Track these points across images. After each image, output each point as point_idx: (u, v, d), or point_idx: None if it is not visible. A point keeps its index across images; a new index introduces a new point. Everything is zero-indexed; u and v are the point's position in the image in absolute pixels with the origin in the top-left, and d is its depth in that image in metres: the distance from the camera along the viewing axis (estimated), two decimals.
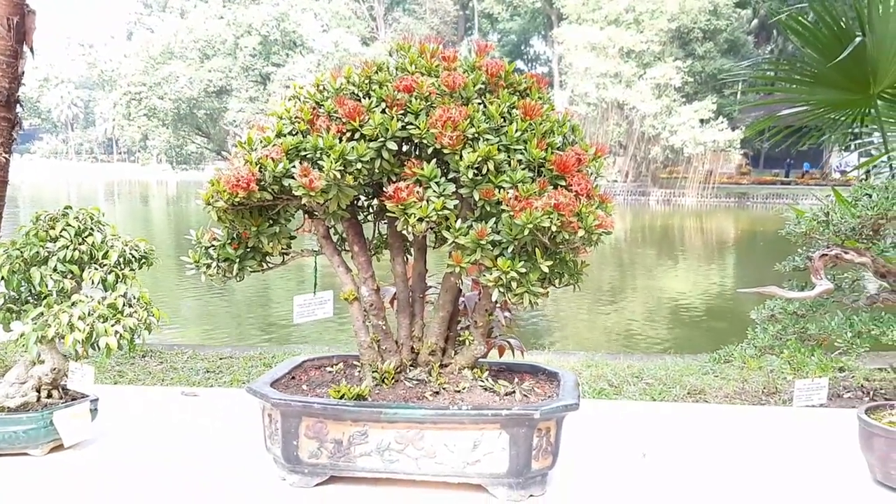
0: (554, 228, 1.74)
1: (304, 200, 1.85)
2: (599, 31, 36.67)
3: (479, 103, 1.91)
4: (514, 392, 2.01)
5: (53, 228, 2.08)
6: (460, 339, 2.11)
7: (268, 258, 2.07)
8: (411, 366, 2.11)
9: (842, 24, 4.49)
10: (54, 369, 2.17)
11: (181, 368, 6.90)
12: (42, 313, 1.98)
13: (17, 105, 5.58)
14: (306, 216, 2.14)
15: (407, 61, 2.01)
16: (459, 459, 1.89)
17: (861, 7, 4.26)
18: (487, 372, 2.10)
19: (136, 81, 41.83)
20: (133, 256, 2.14)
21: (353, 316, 2.10)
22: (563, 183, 1.84)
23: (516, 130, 1.86)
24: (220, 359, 7.29)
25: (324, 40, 41.28)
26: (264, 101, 40.93)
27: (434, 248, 2.23)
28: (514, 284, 1.80)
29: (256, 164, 1.86)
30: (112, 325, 1.98)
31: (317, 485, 1.97)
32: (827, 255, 2.02)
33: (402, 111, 1.90)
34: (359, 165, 1.85)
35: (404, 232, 1.94)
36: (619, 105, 37.34)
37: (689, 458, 2.24)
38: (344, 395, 1.95)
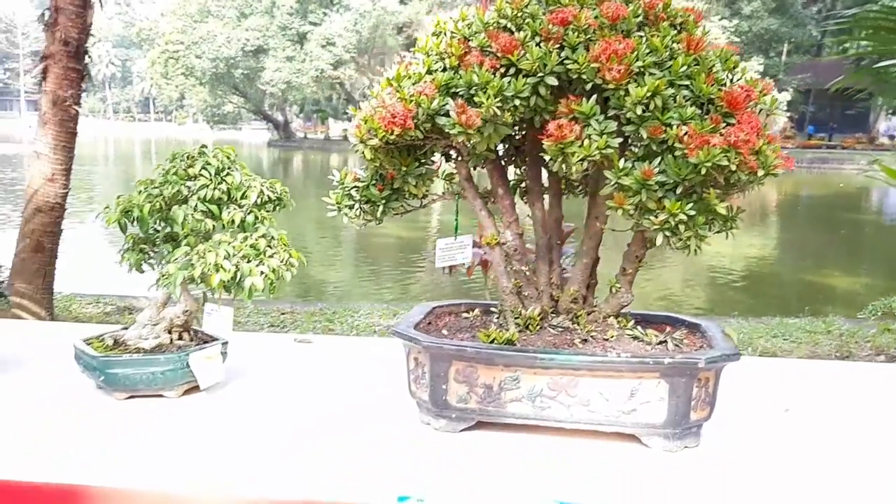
0: (733, 167, 1.66)
1: (459, 139, 1.78)
2: None
3: (641, 36, 1.82)
4: (665, 342, 1.95)
5: (192, 167, 2.04)
6: (609, 286, 2.04)
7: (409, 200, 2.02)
8: (552, 313, 2.05)
9: None
10: (186, 311, 2.15)
11: (245, 322, 6.95)
12: (187, 253, 1.94)
13: (86, 56, 5.55)
14: (443, 158, 2.08)
15: None
16: (614, 408, 1.84)
17: None
18: (633, 321, 2.04)
19: (174, 40, 41.87)
20: (269, 197, 2.09)
21: (495, 261, 2.05)
22: (733, 121, 1.75)
23: (682, 65, 1.77)
24: (282, 314, 7.36)
25: None
26: (301, 60, 40.82)
27: (577, 195, 2.16)
28: (681, 227, 1.72)
29: (411, 101, 1.80)
30: (257, 266, 1.94)
31: (463, 430, 1.93)
32: None
33: (557, 45, 1.82)
34: (517, 102, 1.78)
35: (561, 173, 1.87)
36: None
37: (834, 415, 2.17)
38: (494, 339, 1.90)
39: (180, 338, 2.18)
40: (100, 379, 2.04)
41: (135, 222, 2.07)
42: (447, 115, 1.81)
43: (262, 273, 1.95)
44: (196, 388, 2.16)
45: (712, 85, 1.77)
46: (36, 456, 1.75)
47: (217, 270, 1.91)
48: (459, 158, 2.01)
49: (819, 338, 6.35)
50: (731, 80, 1.87)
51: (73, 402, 2.08)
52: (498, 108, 1.75)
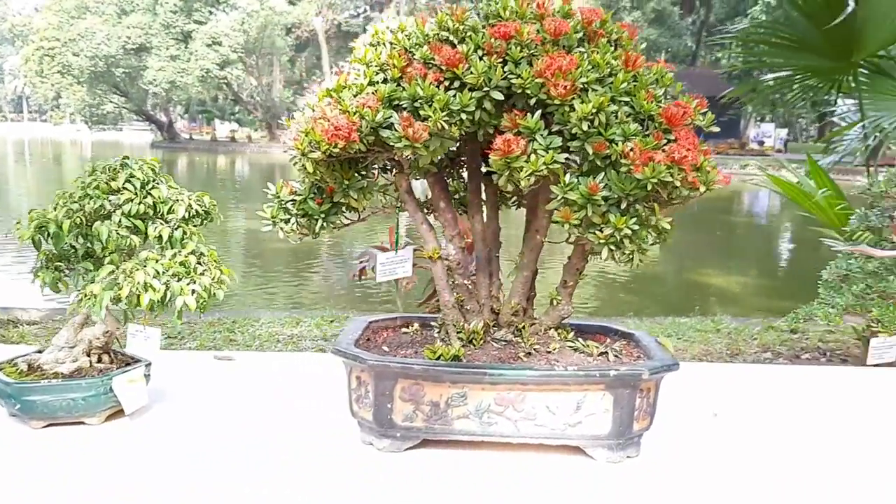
0: (677, 183, 1.69)
1: (405, 152, 1.74)
2: None
3: (582, 52, 1.84)
4: (606, 353, 1.97)
5: (115, 180, 1.91)
6: (550, 299, 2.05)
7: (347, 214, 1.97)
8: (494, 326, 2.04)
9: None
10: (107, 332, 2.03)
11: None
12: (112, 272, 1.82)
13: None
14: (379, 170, 2.04)
15: (500, 7, 1.91)
16: (560, 421, 1.84)
17: None
18: (573, 332, 2.05)
19: (49, 37, 39.72)
20: (196, 211, 1.99)
21: (437, 275, 2.02)
22: (672, 137, 1.79)
23: (622, 82, 1.80)
24: (180, 324, 7.06)
25: None
26: (186, 59, 39.55)
27: (510, 207, 2.16)
28: (626, 242, 1.75)
29: (354, 113, 1.75)
30: (188, 284, 1.84)
31: (407, 448, 1.89)
32: None
33: (500, 59, 1.81)
34: (462, 116, 1.76)
35: (508, 186, 1.85)
36: None
37: (759, 417, 2.26)
38: (441, 355, 1.87)
39: (100, 360, 2.05)
40: (15, 407, 1.89)
41: (49, 238, 1.93)
42: (390, 127, 1.77)
43: (193, 292, 1.85)
44: (119, 413, 2.04)
45: (651, 101, 1.80)
46: None
47: (146, 290, 1.80)
48: (399, 171, 1.97)
49: (710, 336, 6.61)
50: (666, 97, 1.91)
51: None
52: (445, 121, 1.72)
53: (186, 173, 33.22)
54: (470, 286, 2.03)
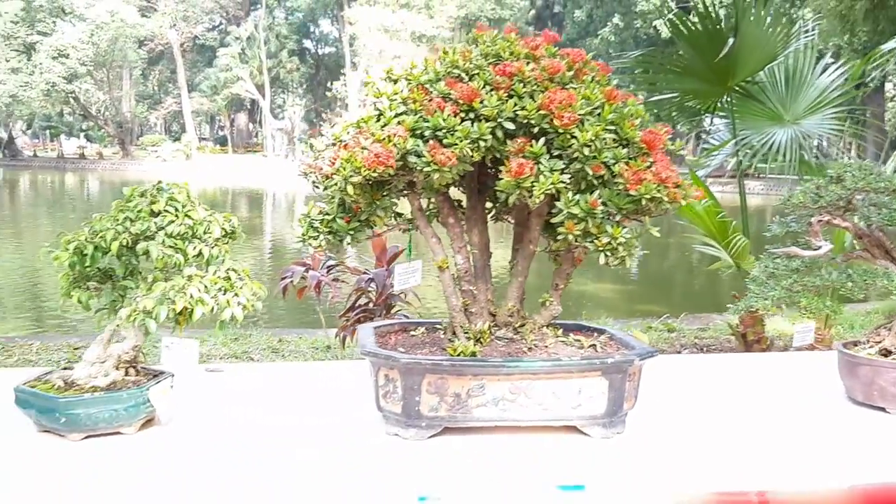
0: (665, 198, 2.03)
1: (434, 175, 2.00)
2: (392, 13, 37.21)
3: (574, 88, 2.16)
4: (594, 345, 2.29)
5: (156, 203, 2.05)
6: (541, 300, 2.35)
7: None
8: (494, 326, 2.31)
9: (718, 26, 5.15)
10: (135, 346, 2.15)
11: (37, 360, 6.48)
12: (164, 288, 1.96)
13: None
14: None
15: (499, 49, 2.20)
16: (564, 405, 2.14)
17: (738, 11, 4.93)
18: (560, 330, 2.36)
19: None
20: (225, 231, 2.16)
21: (445, 282, 2.27)
22: (651, 160, 2.14)
23: (609, 112, 2.13)
24: (75, 349, 6.92)
25: (97, 9, 38.35)
26: (29, 72, 37.46)
27: (506, 221, 2.45)
28: (620, 248, 2.07)
29: (389, 142, 1.99)
30: (233, 297, 2.01)
31: (430, 437, 2.14)
32: (822, 220, 2.48)
33: (506, 94, 2.10)
34: (480, 144, 2.03)
35: (518, 203, 2.14)
36: None
37: (687, 396, 2.66)
38: (461, 352, 2.13)
39: (127, 373, 2.16)
40: (59, 421, 1.99)
41: (86, 259, 2.04)
42: (415, 154, 2.03)
43: (238, 304, 2.02)
44: (149, 423, 2.16)
45: (633, 129, 2.15)
46: None
47: (198, 304, 1.96)
48: (412, 192, 2.22)
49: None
50: (641, 126, 2.25)
51: (26, 449, 2.01)
52: (470, 148, 1.99)
53: (32, 193, 31.46)
54: (475, 292, 2.30)
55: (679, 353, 7.08)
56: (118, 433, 2.09)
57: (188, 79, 46.53)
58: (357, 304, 5.57)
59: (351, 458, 2.03)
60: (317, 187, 2.26)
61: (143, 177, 36.26)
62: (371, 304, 5.55)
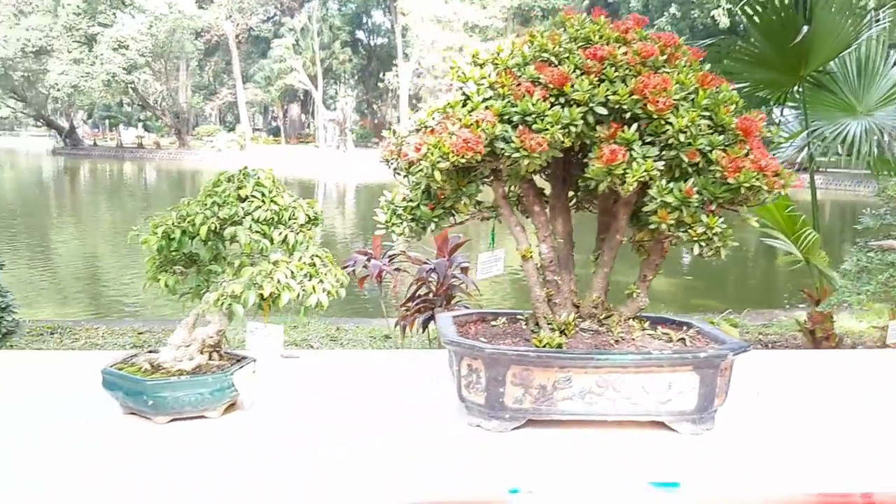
0: (764, 187, 1.95)
1: (524, 161, 1.95)
2: (444, 4, 37.13)
3: (667, 72, 2.08)
4: (683, 339, 2.22)
5: (242, 188, 2.04)
6: (627, 292, 2.28)
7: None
8: (578, 318, 2.26)
9: (790, 11, 4.99)
10: (219, 331, 2.15)
11: (103, 344, 6.60)
12: (251, 273, 1.95)
13: None
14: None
15: (589, 31, 2.14)
16: (653, 399, 2.08)
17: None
18: (648, 322, 2.30)
19: None
20: (308, 217, 2.14)
21: (529, 272, 2.22)
22: (747, 147, 2.05)
23: (703, 98, 2.05)
24: (139, 333, 7.04)
25: (156, 1, 39.01)
26: (90, 63, 38.30)
27: (590, 210, 2.39)
28: (715, 239, 2.00)
29: (477, 128, 1.94)
30: (318, 283, 2.00)
31: (514, 429, 2.09)
32: None
33: (597, 78, 2.04)
34: (571, 129, 1.98)
35: (605, 190, 2.08)
36: None
37: (787, 393, 2.56)
38: (547, 344, 2.08)
39: (210, 357, 2.16)
40: (147, 404, 2.00)
41: (173, 243, 2.04)
42: (503, 139, 1.98)
43: (324, 290, 2.00)
44: (231, 408, 2.16)
45: (728, 115, 2.06)
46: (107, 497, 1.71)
47: (285, 289, 1.94)
48: (497, 179, 2.17)
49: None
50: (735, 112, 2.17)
51: (113, 431, 2.02)
52: (562, 133, 1.94)
53: (92, 181, 32.20)
54: (560, 282, 2.24)
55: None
56: (203, 417, 2.09)
57: (243, 70, 47.14)
58: (417, 294, 5.56)
59: (434, 448, 2.00)
60: (398, 174, 2.23)
61: (199, 166, 36.91)
62: (431, 295, 5.54)
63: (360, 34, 54.56)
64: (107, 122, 50.04)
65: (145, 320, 7.68)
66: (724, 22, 30.22)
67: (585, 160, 2.25)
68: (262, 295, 1.94)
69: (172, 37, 39.73)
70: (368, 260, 5.35)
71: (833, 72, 5.72)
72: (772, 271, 13.35)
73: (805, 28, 5.08)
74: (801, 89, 5.64)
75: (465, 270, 5.62)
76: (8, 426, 2.04)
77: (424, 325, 5.50)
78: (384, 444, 2.01)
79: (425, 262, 5.53)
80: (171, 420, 2.05)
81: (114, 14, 39.64)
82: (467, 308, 5.54)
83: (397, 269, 5.56)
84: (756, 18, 5.20)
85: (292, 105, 52.98)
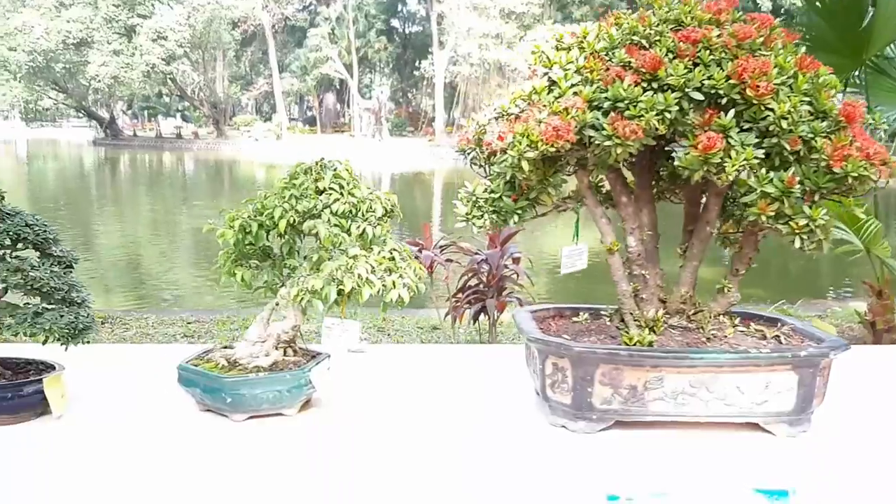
0: (873, 176, 1.84)
1: (617, 150, 1.85)
2: None
3: (764, 55, 1.97)
4: (777, 336, 2.11)
5: (320, 180, 1.97)
6: (718, 286, 2.18)
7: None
8: (665, 314, 2.16)
9: None
10: (294, 326, 2.09)
11: (153, 334, 6.63)
12: (338, 267, 1.88)
13: None
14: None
15: (678, 13, 2.03)
16: (748, 400, 1.98)
17: None
18: (738, 319, 2.19)
19: None
20: (386, 209, 2.07)
21: (614, 266, 2.12)
22: (850, 134, 1.93)
23: (803, 82, 1.93)
24: (188, 323, 7.07)
25: None
26: (130, 54, 38.71)
27: (675, 201, 2.28)
28: (818, 231, 1.88)
29: (567, 115, 1.85)
30: (398, 278, 1.92)
31: (601, 430, 2.00)
32: None
33: (690, 62, 1.93)
34: (665, 115, 1.87)
35: (706, 179, 1.97)
36: (500, 66, 37.89)
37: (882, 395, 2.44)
38: (638, 342, 1.99)
39: (285, 353, 2.11)
40: (226, 401, 1.94)
41: (249, 237, 1.98)
42: (593, 127, 1.88)
43: (404, 285, 1.93)
44: (307, 405, 2.10)
45: (828, 100, 1.95)
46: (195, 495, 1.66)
47: (365, 285, 1.87)
48: (582, 168, 2.08)
49: None
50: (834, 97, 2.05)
51: (191, 429, 1.97)
52: (658, 120, 1.84)
53: (132, 172, 32.58)
54: (647, 276, 2.14)
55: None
56: (280, 414, 2.03)
57: (279, 59, 47.29)
58: (468, 285, 5.48)
59: (515, 450, 1.92)
60: (475, 164, 2.14)
61: (236, 156, 37.19)
62: (482, 286, 5.46)
63: (395, 22, 54.45)
64: (146, 112, 50.62)
65: (193, 310, 7.72)
66: (766, 5, 29.64)
67: (668, 148, 2.16)
68: (341, 290, 1.86)
69: (210, 27, 40.00)
70: (420, 251, 5.28)
71: (891, 57, 5.54)
72: (815, 260, 13.06)
73: (871, 10, 4.91)
74: (862, 74, 5.45)
75: (516, 261, 5.53)
76: (87, 423, 1.99)
77: (475, 317, 5.43)
78: (464, 443, 1.93)
79: (476, 253, 5.45)
80: (249, 417, 2.00)
81: (152, 5, 40.02)
82: (519, 300, 5.45)
83: (448, 260, 5.49)
84: (818, 3, 5.03)
85: (328, 94, 53.08)
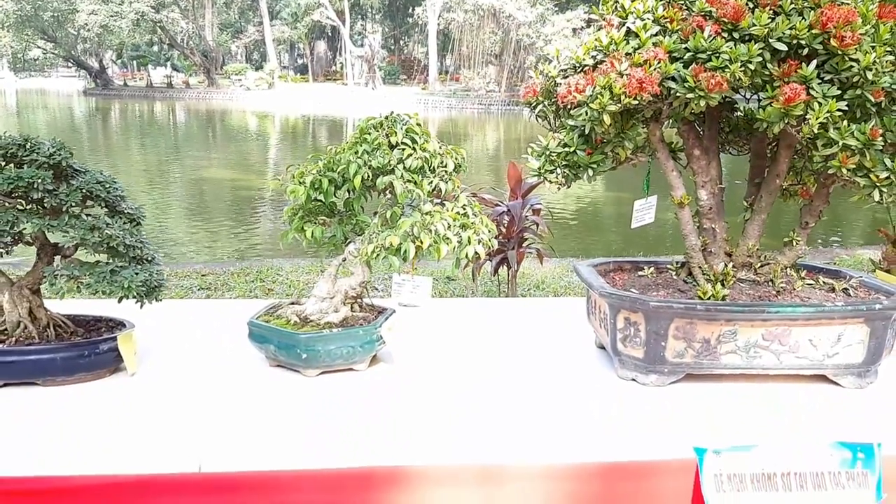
0: None
1: (701, 102, 1.82)
2: None
3: (844, 3, 1.93)
4: (846, 289, 2.11)
5: (393, 135, 1.94)
6: (786, 239, 2.17)
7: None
8: (732, 267, 2.15)
9: None
10: (362, 282, 2.07)
11: (170, 286, 6.61)
12: (415, 224, 1.86)
13: None
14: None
15: None
16: (820, 353, 1.98)
17: None
18: (804, 271, 2.19)
19: None
20: (457, 164, 2.04)
21: (683, 220, 2.11)
22: None
23: (886, 32, 1.90)
24: (203, 276, 7.05)
25: None
26: (119, 2, 37.90)
27: (739, 153, 2.26)
28: None
29: (651, 67, 1.82)
30: (473, 234, 1.90)
31: (671, 383, 2.01)
32: None
33: (772, 11, 1.89)
34: (748, 67, 1.84)
35: (786, 133, 1.95)
36: (494, 13, 37.32)
37: None
38: (712, 296, 1.98)
39: (352, 309, 2.10)
40: (301, 357, 1.94)
41: (318, 193, 1.95)
42: (673, 79, 1.85)
43: (479, 241, 1.91)
44: (375, 360, 2.10)
45: None
46: (297, 446, 1.66)
47: (442, 241, 1.85)
48: (655, 121, 2.05)
49: None
50: None
51: (264, 384, 1.97)
52: (743, 71, 1.80)
53: (124, 121, 32.15)
54: (717, 230, 2.13)
55: None
56: (351, 370, 2.03)
57: (269, 6, 46.42)
58: None
59: (586, 402, 1.93)
60: (540, 118, 2.11)
61: (228, 105, 36.71)
62: (502, 237, 5.44)
63: None
64: (136, 62, 49.69)
65: (204, 262, 7.69)
66: None
67: (730, 100, 2.13)
68: (419, 247, 1.85)
69: None
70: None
71: None
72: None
73: None
74: None
75: (536, 212, 5.50)
76: (159, 379, 1.99)
77: (496, 270, 5.42)
78: (535, 396, 1.94)
79: (497, 205, 5.42)
80: (321, 373, 2.00)
81: None
82: (539, 250, 5.45)
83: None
84: None
85: (319, 42, 52.27)
